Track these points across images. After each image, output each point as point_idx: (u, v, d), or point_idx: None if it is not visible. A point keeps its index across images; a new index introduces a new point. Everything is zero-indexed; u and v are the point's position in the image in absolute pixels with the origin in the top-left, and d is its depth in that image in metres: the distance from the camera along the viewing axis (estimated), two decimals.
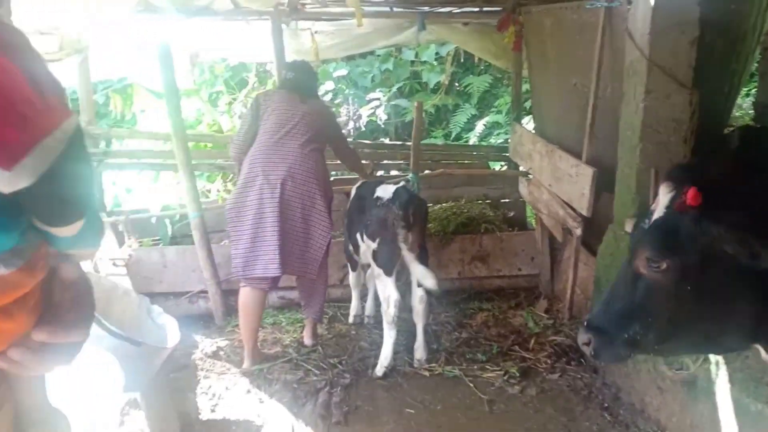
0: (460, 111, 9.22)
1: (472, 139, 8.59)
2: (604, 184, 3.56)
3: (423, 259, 3.49)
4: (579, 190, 3.66)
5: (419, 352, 3.59)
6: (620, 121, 3.32)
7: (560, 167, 3.96)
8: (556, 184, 4.03)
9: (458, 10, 5.05)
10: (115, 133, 4.90)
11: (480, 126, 8.65)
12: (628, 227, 3.13)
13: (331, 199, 3.69)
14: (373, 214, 3.53)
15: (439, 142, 8.91)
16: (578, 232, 3.71)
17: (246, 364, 3.62)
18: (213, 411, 3.23)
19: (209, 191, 6.26)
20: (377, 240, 3.48)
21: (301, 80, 3.79)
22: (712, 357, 2.36)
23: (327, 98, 8.77)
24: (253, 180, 3.43)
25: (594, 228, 3.82)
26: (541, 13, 4.59)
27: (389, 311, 3.43)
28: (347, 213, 4.02)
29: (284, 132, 3.52)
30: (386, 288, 3.47)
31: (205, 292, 4.36)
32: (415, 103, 4.42)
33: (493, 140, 8.53)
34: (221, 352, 3.89)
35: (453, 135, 9.02)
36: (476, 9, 4.99)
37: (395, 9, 4.91)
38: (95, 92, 8.56)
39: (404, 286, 3.67)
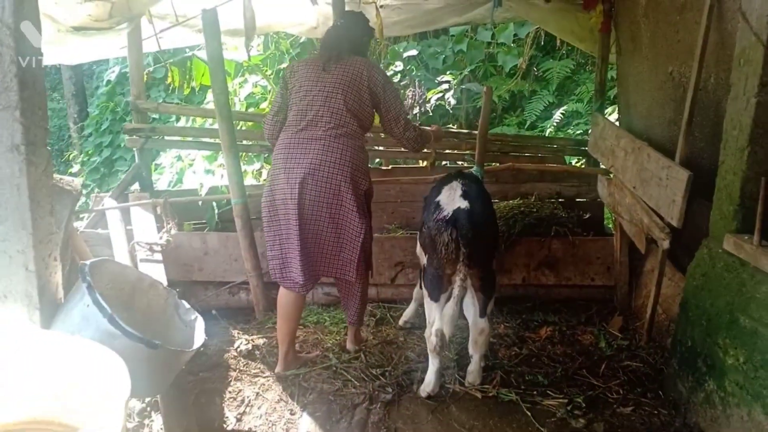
0: (537, 98, 8.78)
1: (549, 128, 8.14)
2: (698, 189, 3.13)
3: (485, 291, 3.08)
4: (669, 196, 3.24)
5: (472, 375, 3.26)
6: (725, 118, 2.88)
7: (648, 168, 3.53)
8: (642, 186, 3.60)
9: None
10: (163, 109, 4.78)
11: (558, 115, 8.19)
12: (728, 245, 2.71)
13: (367, 191, 3.31)
14: (427, 223, 3.17)
15: (512, 130, 8.50)
16: (665, 244, 3.29)
17: (279, 368, 3.42)
18: (239, 420, 3.04)
19: (260, 172, 6.11)
20: (426, 256, 3.17)
21: (346, 30, 3.36)
22: None
23: (395, 80, 8.48)
24: (277, 177, 3.20)
25: (682, 239, 3.39)
26: None
27: (430, 340, 3.05)
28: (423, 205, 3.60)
29: (306, 122, 3.19)
30: (429, 313, 3.12)
31: (247, 283, 4.19)
32: (485, 89, 4.07)
33: (571, 131, 8.06)
34: (257, 352, 3.70)
35: (527, 123, 8.60)
36: None
37: None
38: (155, 64, 8.66)
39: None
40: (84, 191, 10.74)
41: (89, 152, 11.32)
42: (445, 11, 5.02)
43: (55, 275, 2.44)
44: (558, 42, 8.42)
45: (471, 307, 3.16)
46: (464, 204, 3.05)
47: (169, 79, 6.28)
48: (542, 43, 8.82)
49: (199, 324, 3.02)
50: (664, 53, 3.88)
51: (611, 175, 4.27)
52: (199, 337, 2.93)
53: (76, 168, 12.07)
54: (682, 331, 3.03)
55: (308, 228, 3.16)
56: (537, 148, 5.23)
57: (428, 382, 3.17)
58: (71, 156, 12.37)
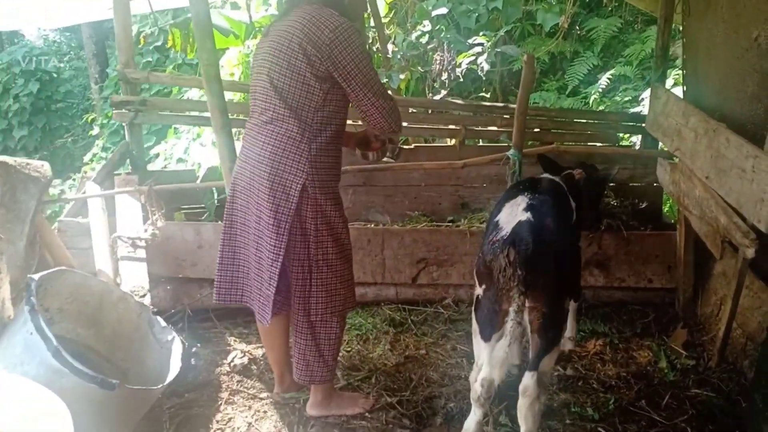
0: (580, 60, 8.10)
1: (593, 94, 7.49)
2: None
3: (544, 335, 2.38)
4: (757, 194, 2.69)
5: None
6: None
7: (727, 156, 2.97)
8: (718, 178, 3.05)
9: None
10: (155, 79, 4.32)
11: (603, 79, 7.52)
12: None
13: (313, 202, 2.51)
14: (484, 245, 2.56)
15: (552, 97, 7.87)
16: (750, 252, 2.76)
17: (276, 389, 3.01)
18: None
19: None
20: (482, 286, 2.56)
21: None
22: None
23: (423, 41, 7.87)
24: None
25: (762, 237, 2.83)
26: None
27: (474, 387, 2.50)
28: None
29: (253, 110, 2.64)
30: (478, 354, 2.55)
31: None
32: (525, 56, 3.51)
33: (618, 97, 7.41)
34: (254, 366, 3.29)
35: (569, 89, 7.95)
36: None
37: None
38: (151, 26, 8.17)
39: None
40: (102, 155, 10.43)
41: (108, 114, 10.96)
42: None
43: None
44: None
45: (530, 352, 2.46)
46: (527, 217, 2.47)
47: (170, 43, 5.82)
48: None
49: (176, 347, 2.61)
50: (747, 14, 3.29)
51: (675, 159, 3.70)
52: (175, 365, 2.52)
53: (96, 130, 11.81)
54: None
55: (239, 242, 2.70)
56: (584, 125, 4.65)
57: (466, 430, 2.61)
58: (91, 118, 12.11)
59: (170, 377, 2.42)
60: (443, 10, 8.19)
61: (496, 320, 2.40)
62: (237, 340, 3.59)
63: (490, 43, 7.54)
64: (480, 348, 2.50)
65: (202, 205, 4.48)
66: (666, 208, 4.72)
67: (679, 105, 3.71)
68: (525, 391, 2.37)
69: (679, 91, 4.43)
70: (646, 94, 6.70)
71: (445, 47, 7.52)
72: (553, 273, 2.38)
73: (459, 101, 5.24)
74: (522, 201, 2.60)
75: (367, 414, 2.85)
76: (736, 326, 3.19)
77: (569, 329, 3.31)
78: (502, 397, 2.90)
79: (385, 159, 2.89)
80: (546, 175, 3.09)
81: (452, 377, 3.15)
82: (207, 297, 3.82)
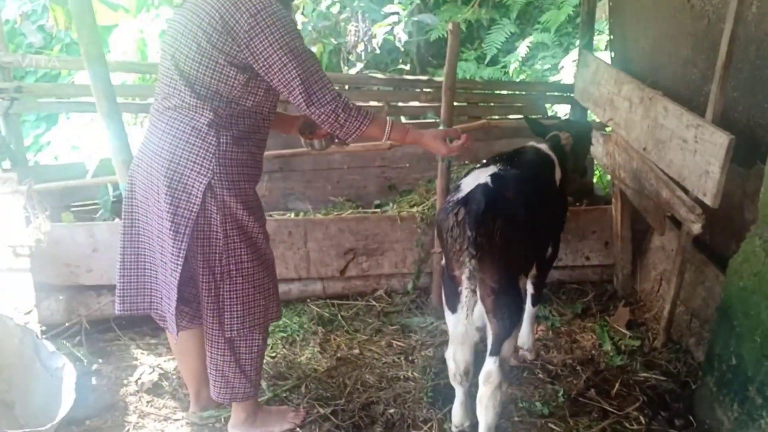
0: (497, 28, 8.02)
1: (513, 63, 7.43)
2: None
3: (500, 315, 2.27)
4: (701, 166, 2.61)
5: None
6: None
7: (665, 125, 2.89)
8: (657, 149, 2.96)
9: None
10: (30, 62, 3.83)
11: (523, 47, 7.46)
12: None
13: (222, 204, 2.21)
14: (438, 213, 2.45)
15: (471, 67, 7.76)
16: (696, 228, 2.68)
17: (192, 409, 2.72)
18: None
19: None
20: (442, 252, 2.48)
21: None
22: None
23: (334, 10, 7.55)
24: None
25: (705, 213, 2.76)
26: None
27: (449, 365, 2.41)
28: None
29: (157, 93, 2.33)
30: (449, 327, 2.45)
31: None
32: (449, 25, 3.29)
33: (538, 65, 7.39)
34: (165, 382, 2.97)
35: (488, 58, 7.86)
36: None
37: None
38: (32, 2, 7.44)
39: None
40: None
41: None
42: None
43: None
44: None
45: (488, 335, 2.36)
46: (486, 181, 2.30)
47: (51, 20, 5.25)
48: None
49: (69, 374, 2.26)
50: None
51: (609, 130, 3.60)
52: (68, 396, 2.18)
53: None
54: (723, 344, 2.46)
55: (143, 242, 2.39)
56: (512, 97, 4.51)
57: (454, 415, 2.53)
58: None
59: (63, 412, 2.09)
60: None
61: (454, 287, 2.29)
62: (144, 352, 3.24)
63: (405, 11, 7.30)
64: (448, 320, 2.42)
65: (96, 202, 4.05)
66: (595, 179, 4.67)
67: (611, 73, 3.62)
68: (488, 378, 2.25)
69: (602, 57, 4.35)
70: (565, 61, 6.69)
71: (360, 17, 7.22)
72: (509, 245, 2.22)
73: (379, 75, 5.01)
74: (491, 168, 2.45)
75: (298, 429, 2.61)
76: (679, 303, 3.14)
77: (526, 338, 3.05)
78: (445, 397, 2.73)
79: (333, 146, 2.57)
80: (532, 143, 2.87)
81: (390, 379, 2.95)
82: (107, 306, 3.45)
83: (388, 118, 2.27)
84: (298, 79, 2.07)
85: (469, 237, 2.14)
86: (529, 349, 3.08)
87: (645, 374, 2.92)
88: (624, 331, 3.29)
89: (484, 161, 2.68)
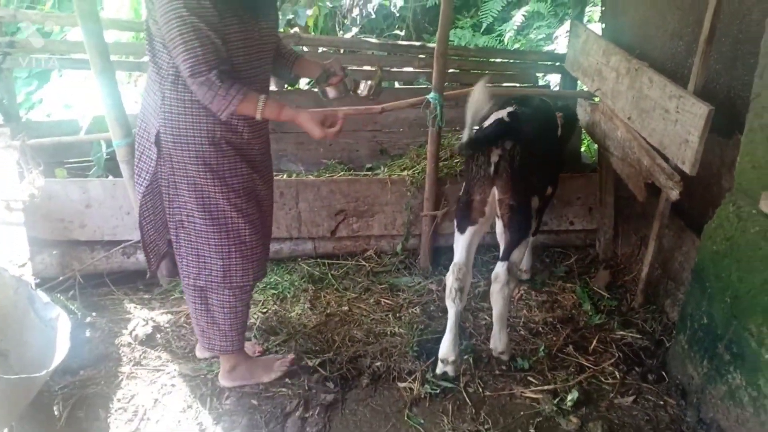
0: None
1: (508, 32, 7.47)
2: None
3: (514, 228, 2.69)
4: (681, 135, 2.72)
5: (493, 340, 2.89)
6: (765, 37, 2.31)
7: (650, 96, 2.99)
8: (641, 119, 3.07)
9: None
10: (23, 16, 3.87)
11: (518, 16, 7.50)
12: (766, 206, 2.22)
13: (152, 150, 2.36)
14: (461, 146, 2.72)
15: (466, 35, 7.79)
16: (674, 194, 2.80)
17: (198, 352, 2.94)
18: None
19: None
20: (463, 182, 2.87)
21: None
22: None
23: None
24: None
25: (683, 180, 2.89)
26: None
27: (447, 281, 2.76)
28: None
29: None
30: (456, 248, 2.80)
31: None
32: None
33: (532, 35, 7.44)
34: (158, 335, 3.10)
35: (483, 26, 7.88)
36: None
37: None
38: None
39: None
40: None
41: None
42: None
43: None
44: None
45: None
46: (508, 117, 2.81)
47: None
48: None
49: (63, 324, 2.37)
50: None
51: (596, 100, 3.71)
52: (62, 345, 2.30)
53: None
54: (695, 304, 2.60)
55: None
56: (504, 65, 4.59)
57: (443, 344, 2.78)
58: None
59: (57, 360, 2.20)
60: None
61: (470, 211, 2.71)
62: (138, 306, 3.37)
63: None
64: (457, 242, 2.79)
65: (89, 159, 4.12)
66: (583, 149, 4.79)
67: (600, 43, 3.70)
68: (496, 278, 2.72)
69: (595, 28, 4.43)
70: (560, 31, 6.74)
71: None
72: (525, 171, 2.63)
73: (373, 40, 5.05)
74: (508, 108, 2.92)
75: (287, 380, 2.76)
76: (657, 266, 3.29)
77: (525, 261, 3.49)
78: (431, 350, 2.89)
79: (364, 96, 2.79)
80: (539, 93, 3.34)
81: (377, 334, 3.09)
82: (100, 261, 3.57)
83: (262, 96, 2.21)
84: (179, 48, 2.07)
85: (494, 164, 2.58)
86: (526, 270, 3.56)
87: (622, 332, 3.08)
88: (603, 292, 3.44)
89: (501, 104, 3.07)
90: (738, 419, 2.30)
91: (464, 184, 2.82)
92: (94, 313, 3.22)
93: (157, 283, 3.57)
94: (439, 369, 2.77)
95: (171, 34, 2.06)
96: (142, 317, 3.21)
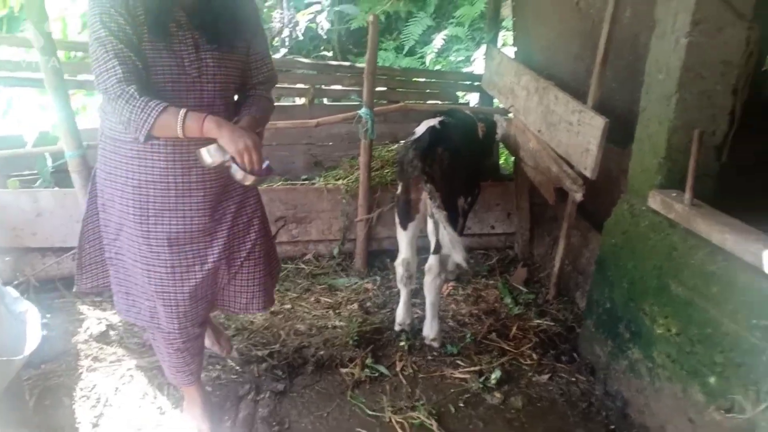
0: (414, 21, 8.41)
1: (429, 54, 7.84)
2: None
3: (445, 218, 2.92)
4: (582, 145, 3.05)
5: (425, 329, 3.18)
6: (648, 58, 2.68)
7: (556, 111, 3.33)
8: (549, 131, 3.40)
9: None
10: None
11: (438, 39, 7.89)
12: (654, 202, 2.56)
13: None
14: (399, 151, 3.04)
15: (390, 56, 8.11)
16: (578, 197, 3.13)
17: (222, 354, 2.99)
18: (96, 425, 2.56)
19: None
20: (399, 183, 3.11)
21: None
22: None
23: None
24: None
25: (586, 183, 3.23)
26: None
27: (397, 270, 3.15)
28: None
29: None
30: (400, 242, 3.13)
31: None
32: (370, 17, 3.61)
33: (452, 57, 7.83)
34: (112, 332, 3.18)
35: (406, 49, 8.23)
36: None
37: None
38: None
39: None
40: None
41: None
42: None
43: None
44: None
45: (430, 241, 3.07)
46: (435, 126, 3.09)
47: None
48: None
49: (33, 317, 2.44)
50: None
51: (510, 116, 4.05)
52: (34, 336, 2.37)
53: None
54: (599, 292, 2.92)
55: None
56: (427, 84, 4.89)
57: (398, 314, 3.25)
58: None
59: (31, 347, 2.28)
60: None
61: (409, 209, 3.00)
62: (90, 308, 3.42)
63: (328, 1, 7.56)
64: (400, 237, 3.10)
65: (34, 172, 4.13)
66: (502, 161, 5.14)
67: (512, 65, 4.05)
68: (429, 269, 3.04)
69: (508, 51, 4.80)
70: (477, 54, 7.15)
71: (284, 4, 7.43)
72: (452, 174, 2.91)
73: (306, 60, 5.25)
74: (437, 118, 3.27)
75: (237, 368, 2.90)
76: (567, 263, 3.62)
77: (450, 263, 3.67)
78: (369, 340, 3.10)
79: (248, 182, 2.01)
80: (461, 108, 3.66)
81: (319, 327, 3.27)
82: (52, 266, 3.60)
83: (184, 109, 1.86)
84: (99, 68, 1.87)
85: (421, 167, 2.82)
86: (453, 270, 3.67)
87: (538, 321, 3.38)
88: (521, 287, 3.75)
89: (431, 116, 3.42)
90: (637, 389, 2.61)
91: (400, 185, 3.06)
92: (49, 315, 3.25)
93: (108, 286, 3.62)
94: (397, 328, 3.23)
95: (93, 56, 1.88)
96: (95, 317, 3.28)
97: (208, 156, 1.90)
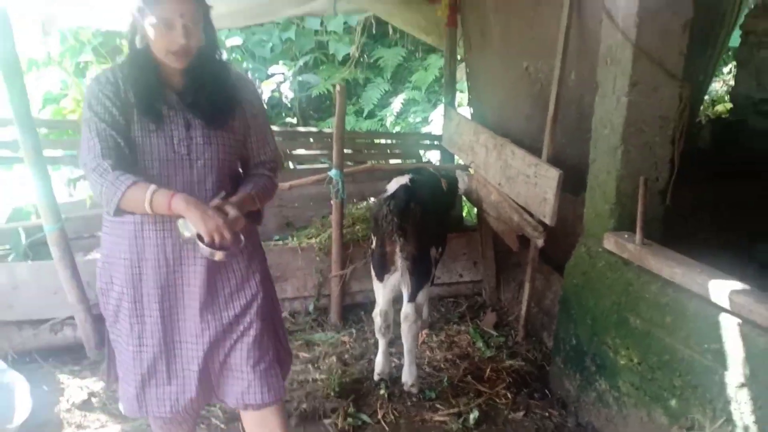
0: (372, 86, 8.82)
1: (389, 117, 8.18)
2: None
3: (417, 274, 3.13)
4: (540, 195, 3.27)
5: (404, 375, 3.28)
6: (594, 116, 2.96)
7: (513, 165, 3.56)
8: (509, 184, 3.63)
9: None
10: None
11: (396, 103, 8.26)
12: (609, 244, 2.77)
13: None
14: (373, 207, 3.27)
15: (350, 120, 8.43)
16: (540, 242, 3.33)
17: None
18: None
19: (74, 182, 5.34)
20: (374, 237, 3.26)
21: None
22: (739, 419, 2.03)
23: None
24: None
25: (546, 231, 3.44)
26: None
27: (375, 320, 3.28)
28: None
29: None
30: (376, 294, 3.29)
31: (72, 318, 3.59)
32: (337, 86, 3.85)
33: (410, 119, 8.18)
34: (94, 399, 3.19)
35: (365, 112, 8.57)
36: None
37: None
38: None
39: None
40: None
41: None
42: (280, 3, 4.68)
43: None
44: (390, 30, 8.45)
45: (404, 291, 3.19)
46: (407, 183, 3.27)
47: None
48: (373, 31, 8.80)
49: (21, 386, 2.49)
50: (518, 48, 3.94)
51: (471, 171, 4.28)
52: (24, 407, 2.42)
53: None
54: (565, 330, 3.09)
55: None
56: (391, 145, 5.14)
57: (377, 363, 3.34)
58: None
59: (23, 415, 2.32)
60: (237, 41, 8.36)
61: (385, 262, 3.14)
62: (69, 377, 3.41)
63: (291, 71, 7.85)
64: (377, 288, 3.25)
65: (7, 247, 4.17)
66: (465, 213, 5.36)
67: (470, 125, 4.32)
68: (406, 318, 3.16)
69: (463, 111, 5.10)
70: (434, 115, 7.50)
71: (249, 75, 7.70)
72: (424, 227, 3.09)
73: (276, 128, 5.46)
74: (406, 176, 3.43)
75: (222, 426, 2.94)
76: (533, 305, 3.80)
77: (424, 311, 3.79)
78: (350, 390, 3.19)
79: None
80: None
81: (300, 381, 3.34)
82: (29, 338, 3.61)
83: (153, 185, 1.86)
84: (82, 147, 1.94)
85: (397, 223, 2.98)
86: (425, 320, 3.90)
87: (510, 362, 3.51)
88: (492, 331, 3.90)
89: (399, 174, 3.62)
90: (607, 417, 2.76)
91: (375, 239, 3.22)
92: (29, 386, 3.24)
93: (85, 355, 3.64)
94: (377, 378, 3.32)
95: (82, 138, 1.94)
96: (75, 385, 3.28)
97: (185, 229, 1.88)
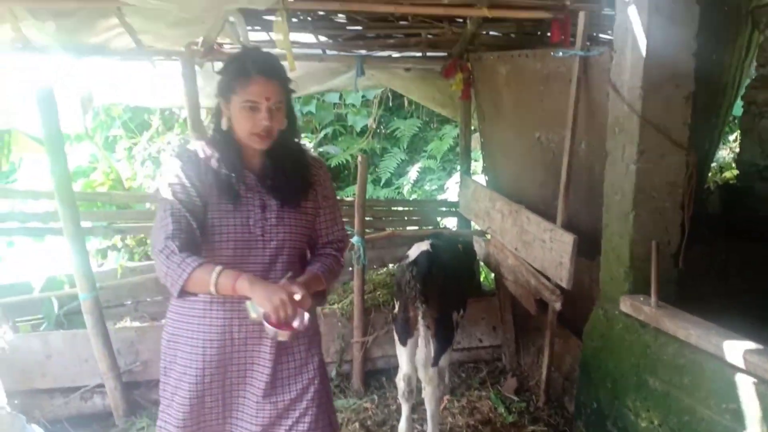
0: (389, 156, 9.02)
1: (406, 185, 8.36)
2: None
3: (440, 338, 3.17)
4: (556, 259, 3.35)
5: None
6: (605, 183, 3.05)
7: (529, 230, 3.65)
8: (525, 249, 3.71)
9: (398, 55, 4.73)
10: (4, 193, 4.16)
11: (413, 172, 8.45)
12: (626, 307, 2.82)
13: None
14: (396, 272, 3.33)
15: (369, 188, 8.60)
16: (557, 306, 3.39)
17: None
18: None
19: (106, 252, 5.52)
20: (397, 302, 3.33)
21: None
22: None
23: None
24: None
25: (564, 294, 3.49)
26: (495, 60, 4.35)
27: (399, 385, 3.30)
28: None
29: None
30: (399, 359, 3.31)
31: (102, 386, 3.68)
32: (359, 157, 4.01)
33: (427, 186, 8.35)
34: None
35: (383, 181, 8.76)
36: (419, 54, 4.68)
37: (329, 52, 4.51)
38: None
39: None
40: None
41: None
42: (306, 79, 4.91)
43: None
44: (406, 103, 8.75)
45: (427, 355, 3.20)
46: (428, 249, 3.33)
47: None
48: (390, 103, 9.11)
49: None
50: (530, 120, 4.09)
51: (488, 236, 4.38)
52: None
53: None
54: (585, 393, 3.10)
55: None
56: (409, 212, 5.27)
57: (400, 429, 3.33)
58: None
59: None
60: None
61: (408, 326, 3.19)
62: None
63: (312, 143, 8.11)
64: (400, 353, 3.28)
65: (40, 316, 4.29)
66: (482, 277, 5.42)
67: (486, 192, 4.44)
68: (430, 381, 3.18)
69: (478, 178, 5.24)
70: (450, 182, 7.67)
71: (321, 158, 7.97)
72: (446, 292, 3.21)
73: None
74: (427, 242, 3.48)
75: None
76: (554, 370, 3.81)
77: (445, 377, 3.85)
78: None
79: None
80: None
81: None
82: (60, 406, 3.69)
83: (219, 266, 1.86)
84: (154, 227, 1.98)
85: (418, 288, 3.04)
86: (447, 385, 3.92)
87: (532, 427, 3.51)
88: (513, 396, 3.89)
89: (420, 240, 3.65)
90: None
91: (398, 304, 3.28)
92: None
93: (113, 423, 3.69)
94: None
95: (156, 216, 1.99)
96: None
97: (253, 310, 1.86)
